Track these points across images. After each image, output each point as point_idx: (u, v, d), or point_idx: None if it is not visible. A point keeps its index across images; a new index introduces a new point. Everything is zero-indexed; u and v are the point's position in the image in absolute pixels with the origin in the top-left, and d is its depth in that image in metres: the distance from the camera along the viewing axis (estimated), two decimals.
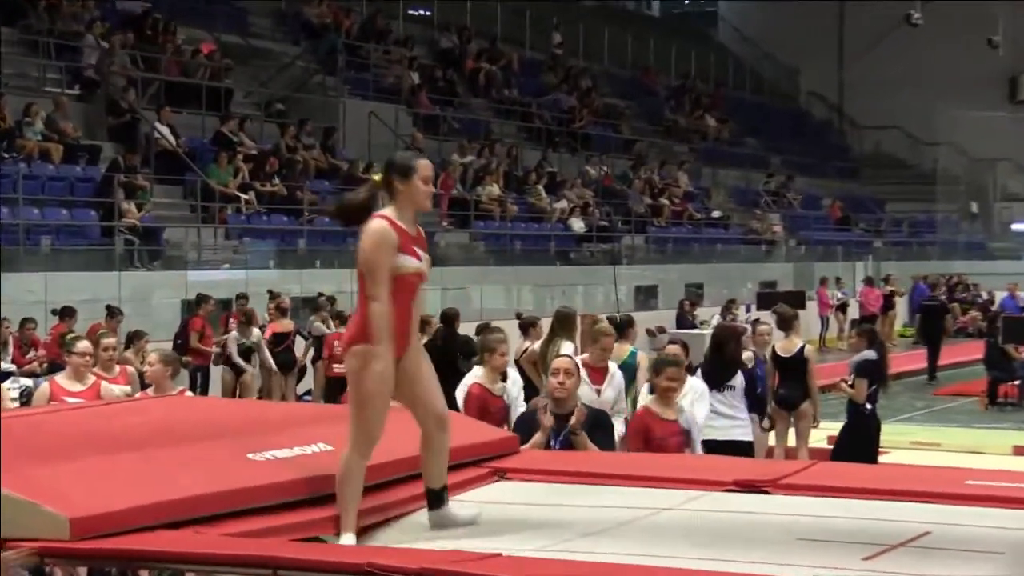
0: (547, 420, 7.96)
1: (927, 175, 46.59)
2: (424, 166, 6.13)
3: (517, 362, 12.41)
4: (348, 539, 5.91)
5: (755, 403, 11.62)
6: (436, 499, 6.22)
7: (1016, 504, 6.42)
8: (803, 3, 45.63)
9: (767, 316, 15.66)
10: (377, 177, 6.26)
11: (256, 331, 18.12)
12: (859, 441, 11.84)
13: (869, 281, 33.07)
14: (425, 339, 17.23)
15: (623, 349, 11.48)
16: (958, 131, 44.75)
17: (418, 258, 6.05)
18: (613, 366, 10.43)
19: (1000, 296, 32.93)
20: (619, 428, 9.36)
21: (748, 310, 26.54)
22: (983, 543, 5.73)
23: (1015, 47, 42.84)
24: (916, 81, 44.75)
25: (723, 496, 6.72)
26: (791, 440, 12.92)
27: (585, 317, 12.21)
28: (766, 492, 6.76)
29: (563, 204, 29.31)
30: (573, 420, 7.93)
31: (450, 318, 16.87)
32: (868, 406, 11.94)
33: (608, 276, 27.82)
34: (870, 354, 12.20)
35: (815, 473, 7.30)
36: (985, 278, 36.01)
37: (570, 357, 8.93)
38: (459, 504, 6.35)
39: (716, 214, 34.84)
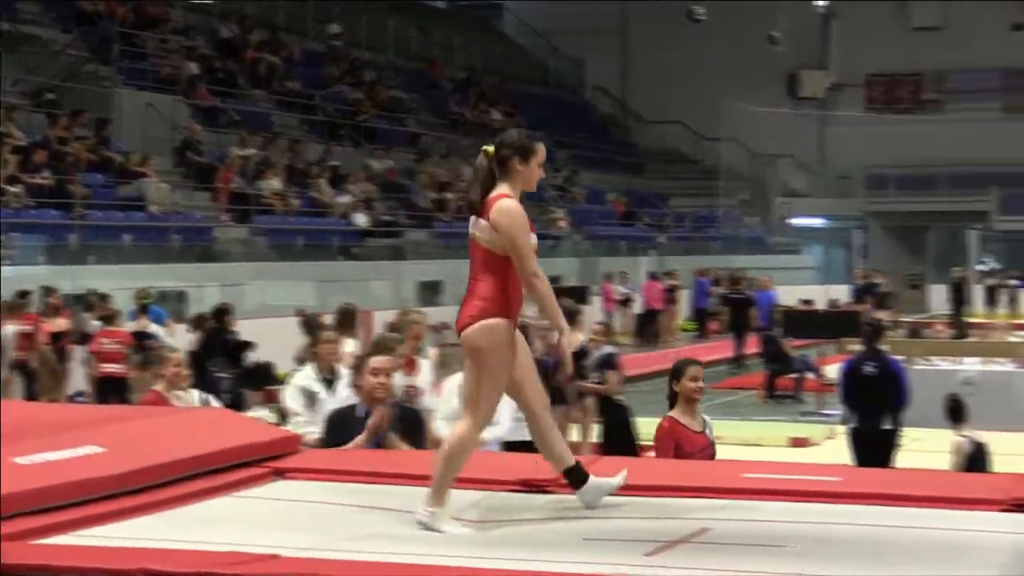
0: (373, 421, 7.80)
1: (710, 170, 47.46)
2: (542, 150, 6.26)
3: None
4: (441, 517, 6.03)
5: (553, 395, 11.66)
6: (578, 477, 6.33)
7: (791, 497, 6.52)
8: None
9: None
10: (490, 149, 6.23)
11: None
12: (621, 434, 11.96)
13: (652, 276, 33.56)
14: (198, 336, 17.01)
15: None
16: (740, 127, 45.71)
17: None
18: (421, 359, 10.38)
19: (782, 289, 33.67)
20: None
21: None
22: (761, 537, 5.79)
23: (795, 43, 43.95)
24: (699, 76, 45.56)
25: (507, 496, 6.67)
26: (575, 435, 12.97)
27: (409, 313, 12.03)
28: (550, 491, 6.73)
29: (346, 198, 29.05)
30: (377, 419, 7.78)
31: (220, 313, 16.56)
32: (619, 398, 12.09)
33: (393, 271, 27.73)
34: (611, 348, 12.42)
35: (598, 470, 7.28)
36: (765, 272, 36.77)
37: (390, 357, 8.73)
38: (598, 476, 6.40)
39: None
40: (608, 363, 12.26)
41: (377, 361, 8.13)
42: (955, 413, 10.99)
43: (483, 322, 6.07)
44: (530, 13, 49.54)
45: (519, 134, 6.30)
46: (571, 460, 6.36)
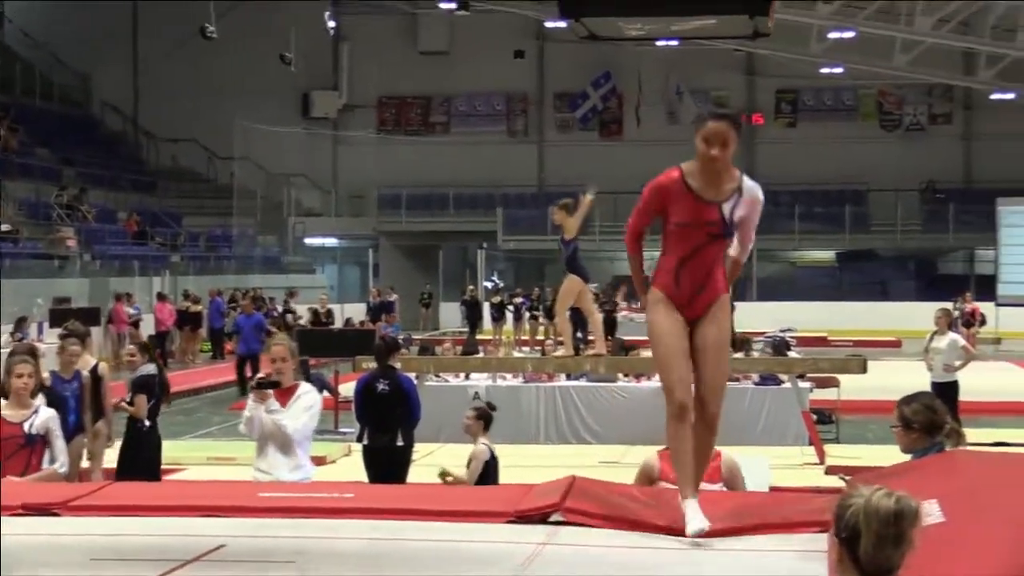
0: None
1: (224, 189, 47.23)
2: (708, 126, 6.03)
3: None
4: (688, 505, 5.95)
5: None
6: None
7: (305, 514, 6.58)
8: (95, 5, 44.73)
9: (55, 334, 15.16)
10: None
11: None
12: (140, 458, 11.71)
13: (162, 297, 33.02)
14: None
15: None
16: (254, 146, 45.73)
17: (690, 213, 6.06)
18: None
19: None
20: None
21: (41, 329, 25.73)
22: (275, 553, 5.82)
23: (307, 64, 44.36)
24: (212, 94, 45.28)
25: (11, 520, 6.43)
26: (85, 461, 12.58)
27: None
28: (56, 514, 6.54)
29: None
30: None
31: None
32: (147, 422, 11.84)
33: None
34: (150, 368, 12.11)
35: (108, 494, 7.16)
36: (280, 292, 36.89)
37: None
38: None
39: (5, 228, 33.51)
40: (141, 384, 11.90)
41: None
42: (484, 421, 11.28)
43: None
44: (33, 24, 47.64)
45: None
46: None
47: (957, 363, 17.09)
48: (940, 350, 17.10)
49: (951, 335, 17.56)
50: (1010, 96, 41.37)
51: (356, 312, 35.35)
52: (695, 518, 5.89)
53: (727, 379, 6.26)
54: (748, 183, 6.12)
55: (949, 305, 21.97)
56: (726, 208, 6.04)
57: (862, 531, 3.47)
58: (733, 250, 6.33)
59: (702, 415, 6.13)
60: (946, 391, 16.79)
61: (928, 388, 14.35)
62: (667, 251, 6.19)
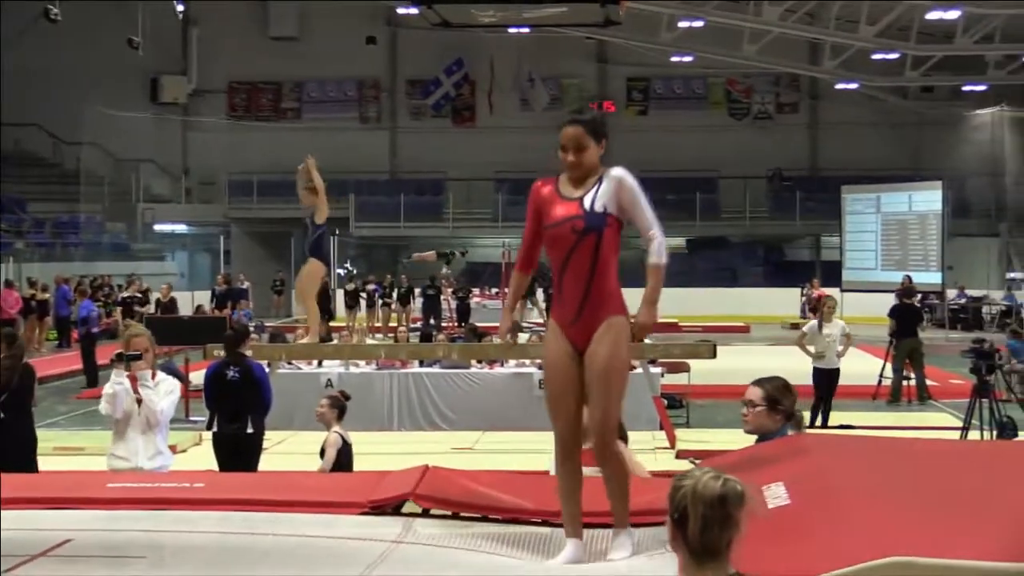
0: None
1: (71, 175, 46.28)
2: (562, 131, 6.01)
3: None
4: (569, 544, 5.78)
5: None
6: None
7: (155, 505, 6.47)
8: None
9: None
10: None
11: None
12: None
13: (8, 284, 32.33)
14: None
15: None
16: (101, 131, 44.90)
17: (556, 217, 5.97)
18: None
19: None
20: None
21: None
22: (123, 547, 5.72)
23: (156, 48, 43.59)
24: (57, 78, 44.33)
25: None
26: None
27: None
28: None
29: None
30: None
31: None
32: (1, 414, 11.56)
33: None
34: None
35: None
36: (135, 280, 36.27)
37: None
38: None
39: None
40: None
41: None
42: (339, 410, 11.25)
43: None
44: None
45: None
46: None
47: (840, 348, 17.47)
48: (834, 336, 17.42)
49: (839, 322, 17.96)
50: (853, 86, 42.17)
51: (207, 300, 34.92)
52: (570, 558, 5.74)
53: (612, 411, 5.88)
54: (611, 170, 6.02)
55: (797, 291, 22.31)
56: (587, 200, 5.94)
57: (690, 513, 3.51)
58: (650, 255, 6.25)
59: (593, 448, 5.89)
60: (835, 377, 17.28)
61: (779, 374, 14.55)
62: (553, 267, 6.03)
